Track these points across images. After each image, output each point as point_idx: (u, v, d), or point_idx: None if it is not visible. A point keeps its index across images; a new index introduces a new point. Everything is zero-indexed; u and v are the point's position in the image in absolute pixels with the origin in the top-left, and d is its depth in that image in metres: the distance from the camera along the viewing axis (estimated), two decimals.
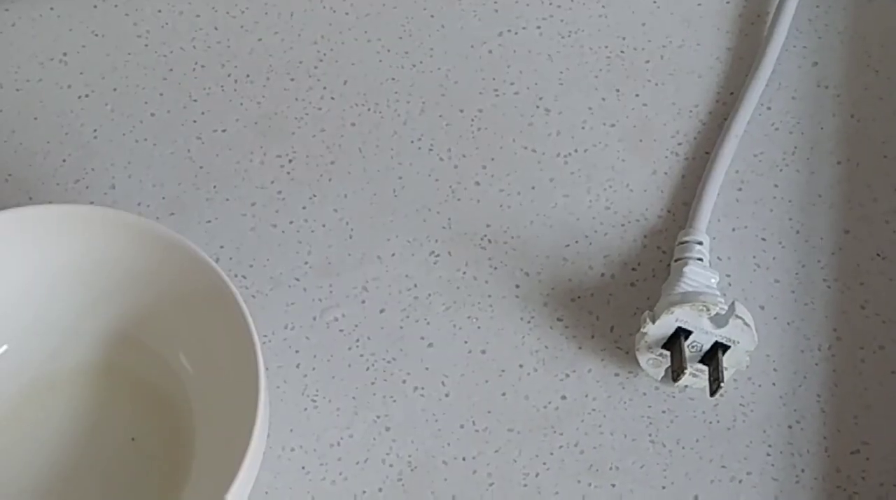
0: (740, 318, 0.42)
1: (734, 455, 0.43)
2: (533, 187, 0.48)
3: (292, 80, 0.50)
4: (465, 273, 0.46)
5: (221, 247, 0.46)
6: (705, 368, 0.43)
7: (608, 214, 0.47)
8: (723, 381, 0.42)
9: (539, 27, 0.51)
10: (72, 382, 0.42)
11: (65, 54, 0.50)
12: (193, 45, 0.50)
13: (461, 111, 0.49)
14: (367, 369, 0.44)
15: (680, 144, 0.49)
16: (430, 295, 0.45)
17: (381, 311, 0.45)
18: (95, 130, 0.48)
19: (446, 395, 0.43)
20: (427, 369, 0.44)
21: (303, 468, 0.42)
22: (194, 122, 0.49)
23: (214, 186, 0.47)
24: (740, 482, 0.42)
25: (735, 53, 0.51)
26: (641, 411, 0.43)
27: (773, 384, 0.44)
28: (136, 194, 0.47)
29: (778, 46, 0.50)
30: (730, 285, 0.46)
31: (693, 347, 0.42)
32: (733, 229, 0.47)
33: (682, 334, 0.42)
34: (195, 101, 0.49)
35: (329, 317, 0.45)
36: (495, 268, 0.46)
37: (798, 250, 0.46)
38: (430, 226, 0.47)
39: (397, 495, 0.42)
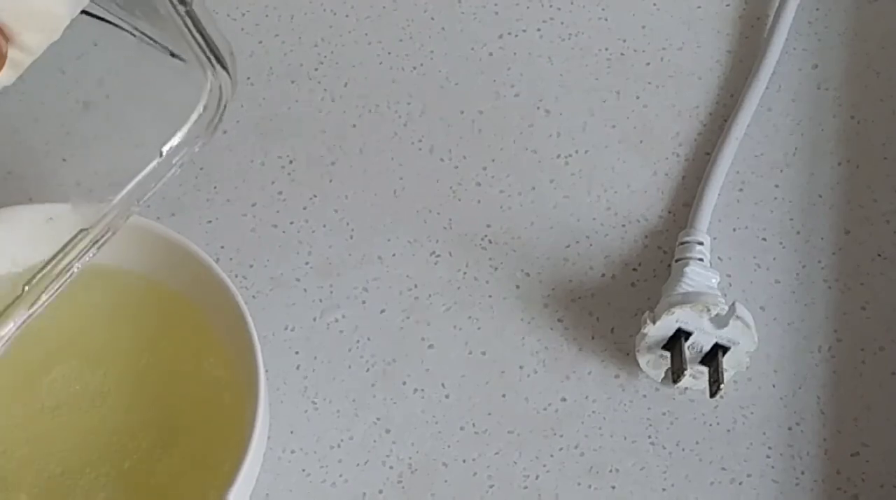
0: (741, 319, 0.42)
1: (734, 457, 0.43)
2: (533, 188, 0.48)
3: (293, 82, 0.50)
4: (465, 274, 0.46)
5: (222, 247, 0.46)
6: (705, 369, 0.43)
7: (609, 215, 0.47)
8: (723, 382, 0.42)
9: (539, 29, 0.51)
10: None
11: (66, 57, 0.50)
12: None
13: (462, 113, 0.49)
14: (368, 370, 0.44)
15: (680, 145, 0.49)
16: (430, 296, 0.45)
17: (382, 311, 0.45)
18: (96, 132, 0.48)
19: (446, 396, 0.43)
20: (427, 370, 0.44)
21: (303, 469, 0.42)
22: None
23: (215, 187, 0.47)
24: (740, 483, 0.42)
25: (735, 55, 0.51)
26: (641, 412, 0.43)
27: (774, 386, 0.44)
28: None
29: (778, 48, 0.50)
30: (730, 285, 0.46)
31: (693, 348, 0.42)
32: (734, 230, 0.47)
33: (682, 335, 0.42)
34: None
35: (329, 318, 0.45)
36: (496, 269, 0.46)
37: (798, 251, 0.46)
38: (431, 227, 0.47)
39: (398, 496, 0.42)
